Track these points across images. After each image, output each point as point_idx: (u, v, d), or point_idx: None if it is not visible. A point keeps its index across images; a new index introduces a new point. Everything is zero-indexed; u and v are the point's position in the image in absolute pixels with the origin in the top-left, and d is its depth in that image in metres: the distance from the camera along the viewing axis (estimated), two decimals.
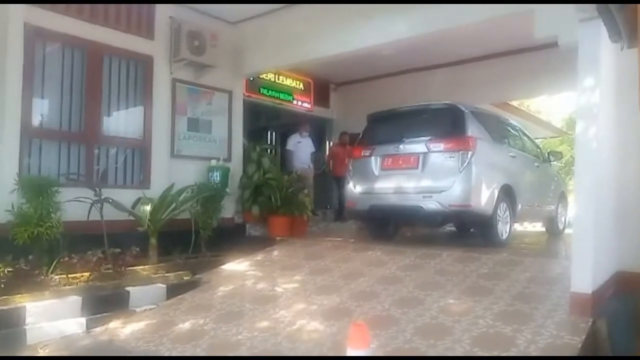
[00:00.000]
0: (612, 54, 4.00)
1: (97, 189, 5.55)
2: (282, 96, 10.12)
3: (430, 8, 5.73)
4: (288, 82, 10.21)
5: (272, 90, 9.88)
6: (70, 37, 6.03)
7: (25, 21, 5.58)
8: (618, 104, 4.17)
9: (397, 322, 3.80)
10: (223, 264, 6.03)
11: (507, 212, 6.04)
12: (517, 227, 8.06)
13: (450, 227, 8.24)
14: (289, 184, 7.62)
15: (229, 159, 7.74)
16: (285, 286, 4.97)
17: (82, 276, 4.88)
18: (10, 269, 4.51)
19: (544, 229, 8.34)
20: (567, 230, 7.98)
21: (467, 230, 7.64)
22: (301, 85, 10.53)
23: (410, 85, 9.68)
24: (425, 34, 6.05)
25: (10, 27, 5.49)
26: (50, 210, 5.01)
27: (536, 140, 8.36)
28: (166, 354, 3.75)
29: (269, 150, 9.40)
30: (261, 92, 9.64)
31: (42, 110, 5.93)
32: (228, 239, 6.73)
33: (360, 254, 5.70)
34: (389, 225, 7.00)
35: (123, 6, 6.51)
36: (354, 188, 6.43)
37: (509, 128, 7.08)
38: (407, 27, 6.06)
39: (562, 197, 8.00)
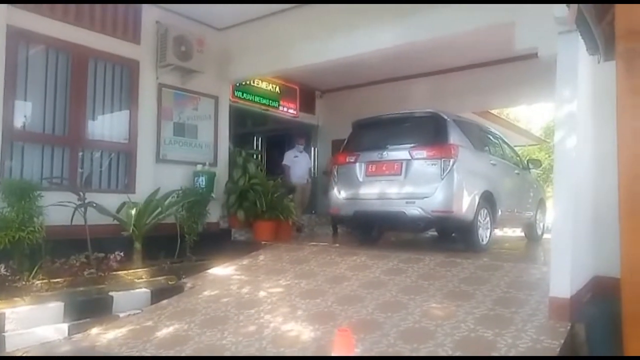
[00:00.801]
0: (590, 66, 4.09)
1: (81, 193, 5.45)
2: (268, 102, 10.10)
3: (415, 18, 5.79)
4: (274, 88, 10.19)
5: (258, 96, 9.85)
6: (54, 40, 5.94)
7: (8, 23, 5.48)
8: (595, 115, 4.25)
9: (380, 326, 3.80)
10: (208, 268, 5.98)
11: (488, 218, 6.10)
12: (497, 232, 8.16)
13: (432, 232, 8.29)
14: (274, 189, 7.59)
15: (214, 163, 7.69)
16: (271, 290, 4.94)
17: (64, 281, 4.78)
18: None
19: (523, 235, 8.43)
20: (545, 236, 8.10)
21: (449, 235, 7.69)
22: (287, 92, 10.52)
23: (394, 93, 9.75)
24: (409, 43, 6.10)
25: None
26: (33, 214, 4.90)
27: (515, 148, 8.48)
28: None
29: (254, 156, 9.33)
30: (247, 97, 9.60)
31: (25, 113, 5.81)
32: (213, 243, 6.68)
33: (345, 258, 5.70)
34: (373, 230, 7.02)
35: (109, 10, 6.45)
36: (338, 194, 6.43)
37: (490, 136, 7.17)
38: (392, 37, 6.11)
39: (540, 204, 8.11)
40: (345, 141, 6.78)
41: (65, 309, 4.40)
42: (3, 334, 4.00)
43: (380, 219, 6.28)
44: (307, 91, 10.99)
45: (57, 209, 5.18)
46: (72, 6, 6.07)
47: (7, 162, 5.50)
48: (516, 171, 7.33)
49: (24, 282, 4.52)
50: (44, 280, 4.67)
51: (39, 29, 5.78)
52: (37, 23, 5.75)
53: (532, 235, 8.04)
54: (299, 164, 8.80)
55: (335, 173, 6.58)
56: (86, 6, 6.21)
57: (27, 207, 4.87)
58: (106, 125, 6.55)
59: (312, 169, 9.38)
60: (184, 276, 5.63)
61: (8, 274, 4.44)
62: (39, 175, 5.75)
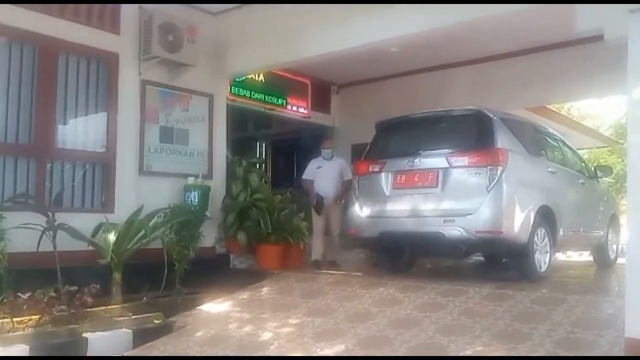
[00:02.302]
0: None
1: (49, 214, 5.54)
2: (273, 100, 10.19)
3: None
4: (280, 83, 10.28)
5: (261, 93, 9.94)
6: (18, 31, 6.09)
7: None
8: None
9: None
10: (202, 303, 6.01)
11: (546, 240, 6.05)
12: (559, 257, 8.05)
13: (477, 258, 8.22)
14: (281, 205, 7.63)
15: (209, 175, 7.77)
16: (278, 331, 4.95)
17: (30, 320, 4.83)
18: None
19: (591, 259, 8.31)
20: (619, 260, 7.97)
21: (498, 261, 7.61)
22: (296, 87, 10.60)
23: (427, 86, 9.77)
24: (445, 26, 6.12)
25: None
26: None
27: (580, 152, 8.40)
28: None
29: (257, 165, 9.41)
30: (248, 95, 9.70)
31: None
32: (208, 273, 6.71)
33: (369, 290, 5.68)
34: (404, 255, 6.98)
35: None
36: (360, 211, 6.44)
37: (547, 138, 7.12)
38: (424, 20, 6.11)
39: (612, 220, 8.00)
40: (368, 146, 6.79)
41: (31, 353, 4.45)
42: None
43: (412, 242, 6.26)
44: (320, 86, 11.07)
45: (21, 233, 5.24)
46: None
47: None
48: (581, 180, 7.26)
49: None
50: (6, 319, 4.73)
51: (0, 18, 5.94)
52: None
53: (602, 260, 7.93)
54: (325, 176, 7.68)
55: (356, 185, 6.60)
56: None
57: None
58: (79, 131, 6.69)
59: (348, 179, 7.59)
60: (172, 313, 5.66)
61: None
62: None
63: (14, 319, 4.76)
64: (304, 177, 7.88)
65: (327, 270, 7.11)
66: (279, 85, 10.25)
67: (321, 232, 7.67)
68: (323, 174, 7.73)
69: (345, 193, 7.55)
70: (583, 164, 7.81)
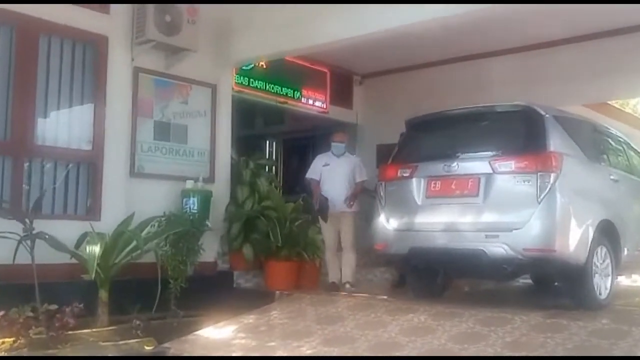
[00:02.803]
0: None
1: (27, 221, 5.60)
2: (285, 92, 10.23)
3: None
4: (294, 72, 10.30)
5: (271, 84, 9.99)
6: None
7: None
8: None
9: None
10: (200, 328, 6.02)
11: (608, 260, 5.97)
12: (622, 281, 7.95)
13: (524, 281, 8.15)
14: (294, 214, 7.64)
15: (211, 179, 7.82)
16: None
17: (3, 343, 4.89)
18: None
19: None
20: None
21: (549, 285, 7.54)
22: (313, 77, 10.62)
23: (465, 78, 9.75)
24: (488, 7, 6.09)
25: None
26: None
27: None
28: None
29: (267, 168, 9.45)
30: (256, 85, 9.74)
31: None
32: (208, 292, 6.75)
33: (397, 317, 5.64)
34: (437, 276, 6.94)
35: None
36: (386, 223, 6.41)
37: (610, 140, 7.05)
38: None
39: None
40: (397, 147, 6.78)
41: None
42: None
43: (448, 260, 6.20)
44: (341, 76, 11.10)
45: None
46: None
47: None
48: None
49: None
50: None
51: None
52: None
53: None
54: (334, 175, 7.46)
55: (382, 193, 6.58)
56: None
57: None
58: (62, 126, 6.78)
59: (361, 180, 7.54)
60: (166, 339, 5.69)
61: None
62: None
63: None
64: (307, 176, 7.71)
65: (342, 293, 7.03)
66: (292, 74, 10.28)
67: (334, 246, 7.54)
68: (331, 172, 7.50)
69: (357, 195, 7.45)
70: None
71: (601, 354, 4.43)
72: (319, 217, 7.40)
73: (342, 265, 7.45)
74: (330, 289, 7.32)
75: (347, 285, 7.30)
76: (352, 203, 7.37)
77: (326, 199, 7.31)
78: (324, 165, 7.58)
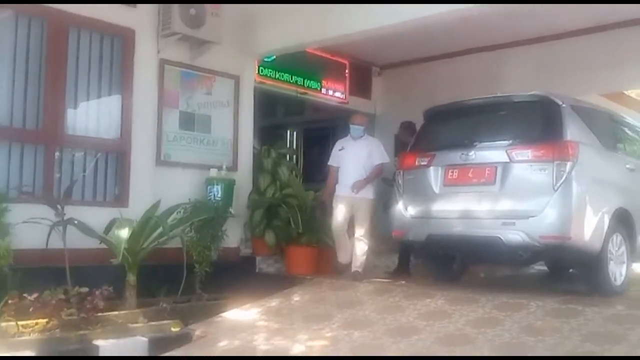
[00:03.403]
0: None
1: (58, 207, 5.67)
2: (306, 83, 10.20)
3: None
4: (315, 64, 10.26)
5: (292, 75, 9.96)
6: (25, 4, 6.22)
7: None
8: None
9: None
10: (224, 310, 6.07)
11: (623, 248, 5.92)
12: (637, 268, 7.86)
13: (540, 267, 8.09)
14: (315, 202, 7.64)
15: (234, 167, 7.85)
16: (310, 344, 4.95)
17: (36, 324, 4.95)
18: None
19: None
20: None
21: (565, 271, 7.49)
22: (333, 68, 10.59)
23: (483, 68, 9.64)
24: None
25: None
26: None
27: None
28: None
29: (288, 157, 9.45)
30: (278, 77, 9.73)
31: None
32: (232, 276, 6.79)
33: (414, 301, 5.64)
34: (454, 262, 6.93)
35: None
36: (404, 210, 6.40)
37: (626, 129, 6.97)
38: None
39: None
40: (415, 136, 6.74)
41: None
42: None
43: (465, 247, 6.19)
44: (360, 67, 11.05)
45: (27, 228, 5.40)
46: None
47: None
48: None
49: None
50: (11, 322, 4.86)
51: None
52: None
53: None
54: (350, 158, 7.01)
55: (400, 181, 6.56)
56: None
57: None
58: (91, 116, 6.83)
59: (380, 162, 7.03)
60: (191, 321, 5.73)
61: None
62: (4, 182, 6.02)
63: (19, 323, 4.88)
64: (329, 163, 7.30)
65: (351, 280, 6.67)
66: (312, 66, 10.23)
67: (341, 228, 6.99)
68: (346, 156, 7.05)
69: (372, 178, 6.94)
70: None
71: (616, 339, 4.38)
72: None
73: (353, 254, 6.95)
74: (338, 270, 7.17)
75: (357, 274, 6.82)
76: (356, 190, 6.81)
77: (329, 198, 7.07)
78: (340, 150, 7.18)
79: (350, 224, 7.03)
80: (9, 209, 5.33)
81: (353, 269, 6.89)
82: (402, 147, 7.60)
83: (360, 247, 6.91)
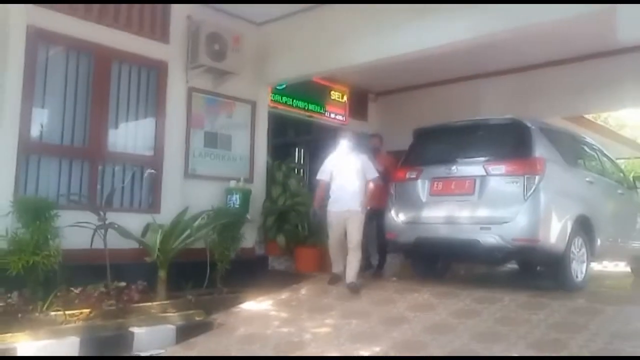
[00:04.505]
0: None
1: (101, 213, 5.68)
2: (312, 107, 10.23)
3: (495, 6, 5.70)
4: (319, 90, 10.31)
5: (300, 100, 10.00)
6: (76, 40, 6.28)
7: (28, 23, 5.84)
8: None
9: None
10: (242, 302, 6.06)
11: (584, 249, 5.90)
12: (595, 267, 7.82)
13: (510, 265, 8.05)
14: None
15: (250, 179, 7.83)
16: (315, 331, 4.94)
17: (81, 313, 4.96)
18: (0, 304, 4.63)
19: (628, 270, 8.06)
20: None
21: (533, 269, 7.45)
22: (334, 95, 10.62)
23: (465, 95, 9.65)
24: (487, 34, 6.03)
25: (11, 30, 5.74)
26: (48, 236, 5.13)
27: (618, 162, 8.14)
28: None
29: (296, 170, 9.44)
30: (288, 102, 9.77)
31: (42, 122, 6.15)
32: (248, 273, 6.77)
33: (404, 295, 5.63)
34: (438, 261, 6.91)
35: (135, 5, 6.75)
36: (396, 216, 6.38)
37: (586, 147, 6.96)
38: (466, 28, 6.02)
39: None
40: (406, 153, 6.75)
41: (81, 345, 4.57)
42: None
43: (448, 248, 6.16)
44: (358, 93, 11.07)
45: (74, 231, 5.40)
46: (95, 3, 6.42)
47: (22, 177, 5.80)
48: (619, 191, 7.05)
49: (37, 313, 4.74)
50: (59, 312, 4.87)
51: (59, 28, 6.13)
52: (57, 22, 6.10)
53: None
54: (343, 174, 6.31)
55: (393, 191, 6.55)
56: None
57: (42, 228, 5.10)
58: (130, 135, 6.83)
59: (372, 177, 6.36)
60: (213, 311, 5.72)
61: (21, 303, 4.66)
62: (55, 191, 6.04)
63: (67, 312, 4.89)
64: (317, 177, 6.57)
65: (348, 290, 5.99)
66: (318, 93, 10.29)
67: (338, 242, 6.32)
68: (340, 171, 6.32)
69: (370, 197, 6.31)
70: (622, 174, 7.58)
71: (579, 329, 4.35)
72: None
73: (347, 266, 6.16)
74: (329, 281, 6.34)
75: (354, 286, 6.01)
76: (367, 206, 6.25)
77: (320, 210, 6.41)
78: (332, 165, 6.43)
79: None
80: (58, 214, 5.33)
81: (348, 280, 6.07)
82: (372, 151, 7.46)
83: (353, 259, 6.13)
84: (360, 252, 6.20)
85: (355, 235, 6.14)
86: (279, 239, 7.47)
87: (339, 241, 6.31)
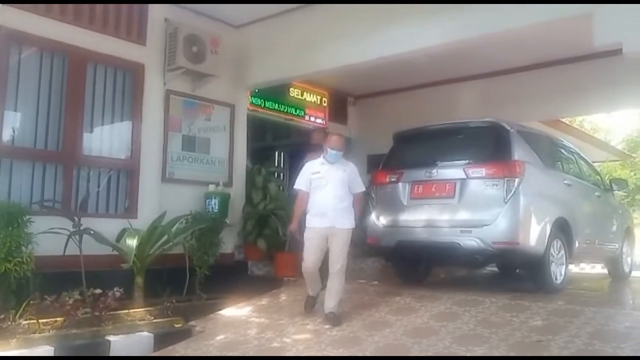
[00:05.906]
0: None
1: (75, 218, 5.57)
2: (291, 110, 10.21)
3: (469, 11, 5.77)
4: (299, 94, 10.30)
5: (280, 104, 9.96)
6: (50, 42, 6.16)
7: (0, 24, 5.72)
8: None
9: None
10: (221, 308, 5.99)
11: (562, 251, 5.96)
12: (572, 269, 7.94)
13: (492, 268, 8.12)
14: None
15: (229, 183, 7.77)
16: (296, 337, 4.90)
17: (55, 322, 4.85)
18: None
19: (606, 272, 8.19)
20: (634, 274, 7.83)
21: (513, 272, 7.52)
22: (314, 98, 10.61)
23: (444, 98, 9.70)
24: (462, 40, 6.09)
25: None
26: (21, 242, 5.02)
27: (594, 165, 8.28)
28: None
29: (276, 174, 9.38)
30: (267, 105, 9.72)
31: (14, 125, 6.01)
32: (227, 278, 6.70)
33: (386, 299, 5.63)
34: (420, 265, 6.92)
35: (111, 7, 6.66)
36: (377, 220, 6.38)
37: (563, 150, 7.05)
38: (440, 33, 6.09)
39: (627, 233, 7.87)
40: (386, 156, 6.76)
41: (56, 354, 4.45)
42: None
43: (429, 252, 6.19)
44: (337, 97, 11.07)
45: (48, 237, 5.29)
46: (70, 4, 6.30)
47: None
48: (596, 193, 7.16)
49: (9, 322, 4.61)
50: (32, 320, 4.74)
51: (33, 29, 6.00)
52: (31, 23, 5.97)
53: (617, 273, 7.80)
54: (327, 185, 5.31)
55: (373, 195, 6.55)
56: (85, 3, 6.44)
57: (15, 235, 4.99)
58: (105, 139, 6.72)
59: (360, 191, 5.56)
60: (192, 318, 5.65)
61: None
62: (28, 197, 5.91)
63: (40, 321, 4.77)
64: (295, 186, 5.59)
65: (323, 320, 5.14)
66: (297, 96, 10.27)
67: (316, 266, 5.32)
68: (323, 181, 5.32)
69: (359, 213, 5.58)
70: (598, 177, 7.70)
71: (559, 330, 4.39)
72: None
73: (327, 292, 5.24)
74: (305, 304, 5.56)
75: (332, 316, 5.10)
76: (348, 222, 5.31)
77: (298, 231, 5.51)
78: (313, 174, 5.42)
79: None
80: (31, 220, 5.21)
81: (327, 309, 5.15)
82: (314, 147, 6.96)
83: (335, 285, 5.20)
84: (344, 277, 5.24)
85: (338, 257, 5.19)
86: (260, 243, 7.40)
87: (317, 265, 5.30)
